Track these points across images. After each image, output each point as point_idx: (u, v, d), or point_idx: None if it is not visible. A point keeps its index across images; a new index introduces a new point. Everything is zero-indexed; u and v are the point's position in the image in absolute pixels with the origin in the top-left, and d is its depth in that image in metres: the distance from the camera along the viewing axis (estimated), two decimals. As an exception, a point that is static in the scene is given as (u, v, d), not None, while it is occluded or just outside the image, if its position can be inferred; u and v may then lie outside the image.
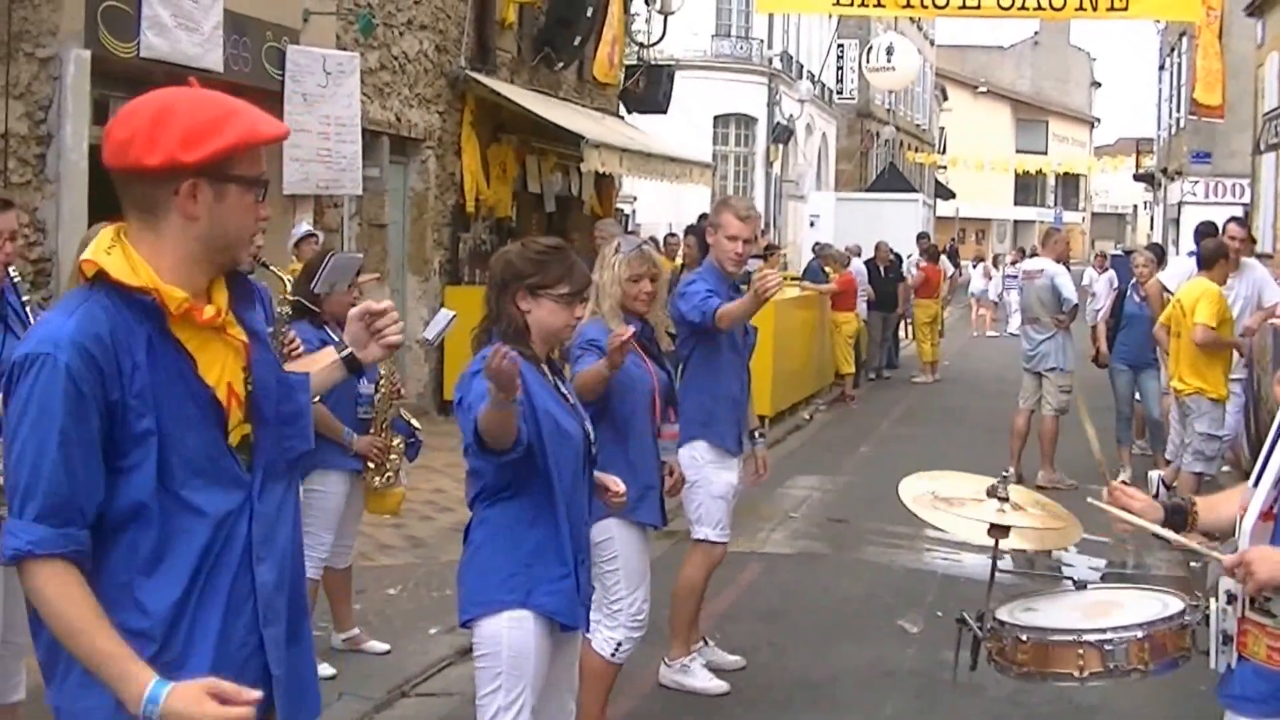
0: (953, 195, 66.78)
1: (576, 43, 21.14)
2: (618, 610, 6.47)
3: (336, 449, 7.52)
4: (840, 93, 52.46)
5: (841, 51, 50.04)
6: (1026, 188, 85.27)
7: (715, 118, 41.77)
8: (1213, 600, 4.05)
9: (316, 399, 7.27)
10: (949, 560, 10.88)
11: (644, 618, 6.56)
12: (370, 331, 3.75)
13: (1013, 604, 4.69)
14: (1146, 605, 4.47)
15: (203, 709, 2.87)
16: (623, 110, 25.02)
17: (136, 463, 3.02)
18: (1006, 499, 4.77)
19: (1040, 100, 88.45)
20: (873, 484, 14.24)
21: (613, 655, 6.51)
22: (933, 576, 10.55)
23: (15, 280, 6.28)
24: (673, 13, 25.66)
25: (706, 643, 8.19)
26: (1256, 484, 4.03)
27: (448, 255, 17.97)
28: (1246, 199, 32.74)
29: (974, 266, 39.57)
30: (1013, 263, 36.17)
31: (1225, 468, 12.78)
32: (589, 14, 21.07)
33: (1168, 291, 12.72)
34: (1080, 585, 4.94)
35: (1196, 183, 39.41)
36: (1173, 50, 44.86)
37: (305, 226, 12.94)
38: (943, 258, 28.63)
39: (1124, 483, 13.20)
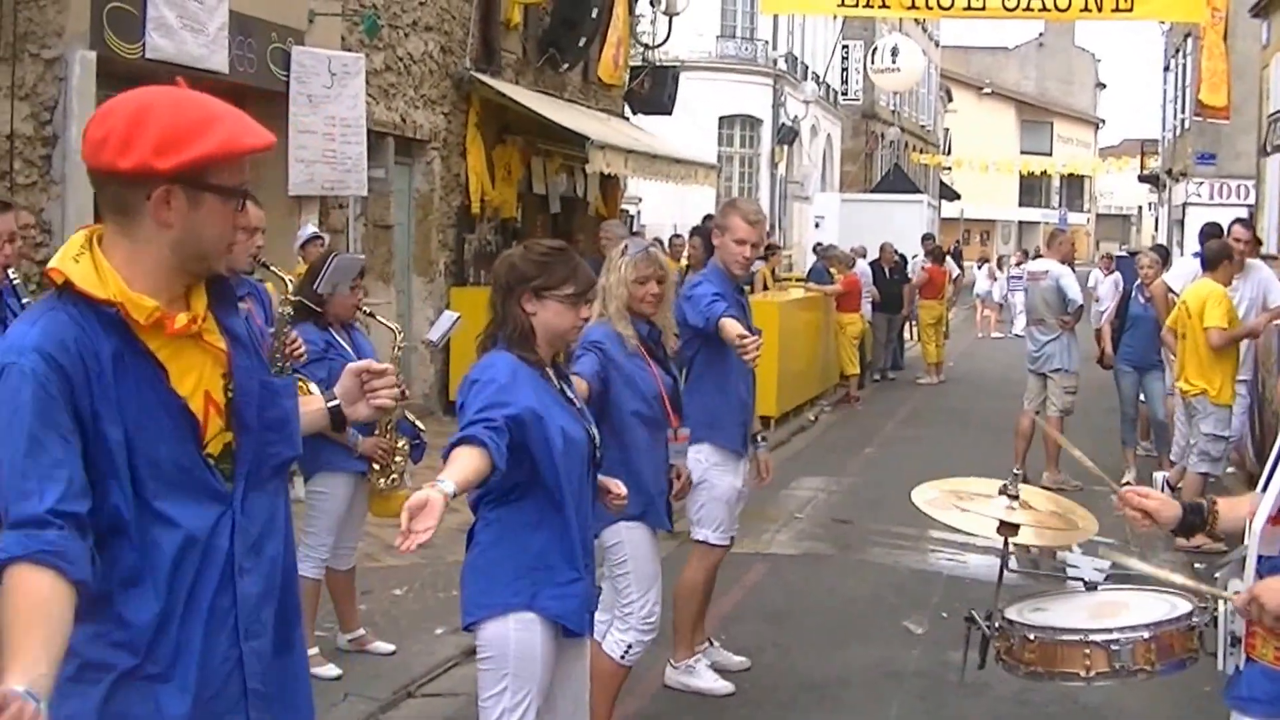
0: (957, 196, 66.74)
1: (581, 44, 21.14)
2: (629, 613, 6.47)
3: (341, 450, 7.52)
4: (845, 94, 52.43)
5: (846, 53, 50.03)
6: (1031, 189, 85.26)
7: (720, 119, 41.77)
8: (1221, 602, 4.05)
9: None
10: (954, 561, 10.88)
11: (655, 620, 6.56)
12: (364, 389, 3.68)
13: (1022, 603, 4.70)
14: (1155, 606, 4.48)
15: None
16: (628, 111, 25.03)
17: (108, 474, 2.93)
18: (1016, 496, 4.77)
19: (1045, 101, 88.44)
20: (878, 485, 14.26)
21: (623, 657, 6.51)
22: (938, 577, 10.55)
23: (15, 282, 6.29)
24: (678, 14, 25.65)
25: (712, 643, 8.19)
26: (1265, 488, 4.03)
27: (453, 256, 17.98)
28: (1251, 200, 32.74)
29: (979, 268, 39.55)
30: (1017, 264, 36.18)
31: (1230, 469, 12.77)
32: (594, 15, 21.08)
33: (1173, 293, 12.72)
34: (1091, 586, 4.94)
35: (1201, 184, 39.41)
36: (1177, 51, 44.85)
37: (311, 229, 12.95)
38: (947, 258, 28.59)
39: (1128, 484, 13.26)
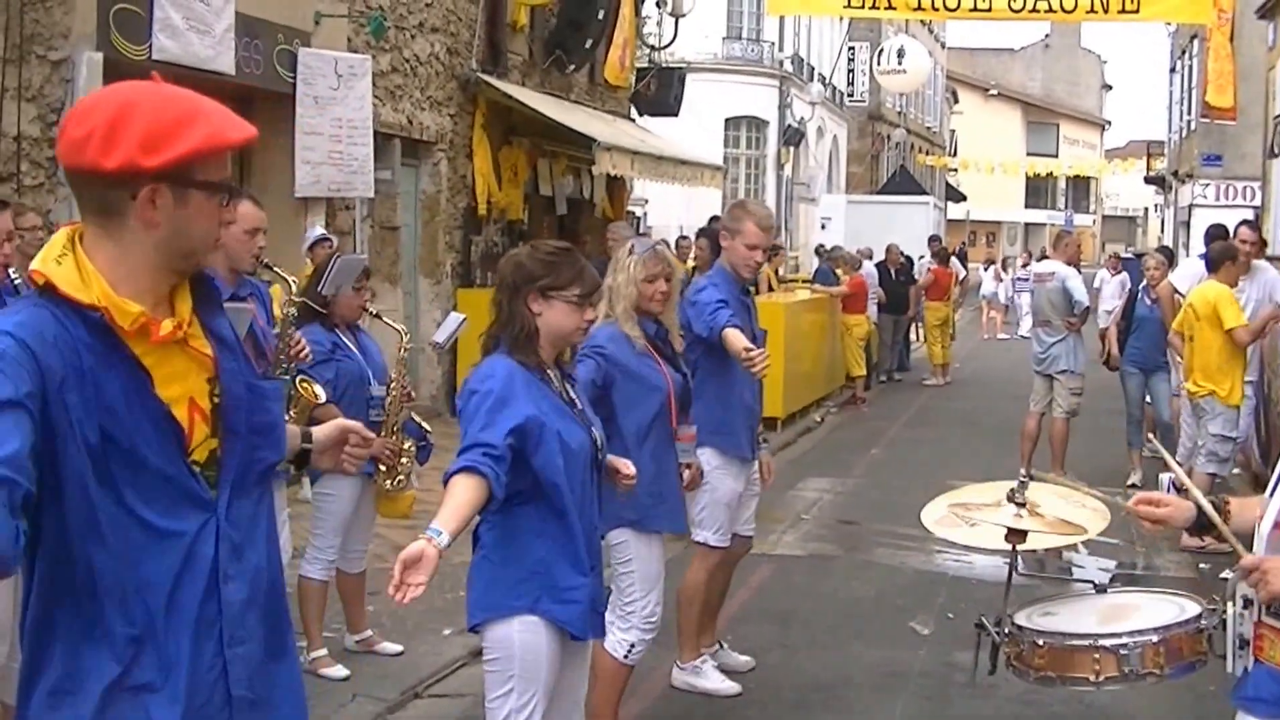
0: (963, 198, 66.69)
1: (588, 45, 21.15)
2: (631, 612, 6.47)
3: (348, 452, 7.52)
4: (851, 95, 52.44)
5: (852, 54, 50.04)
6: (1037, 190, 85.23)
7: (726, 120, 41.78)
8: (1229, 604, 4.05)
9: (326, 401, 7.31)
10: (960, 562, 10.87)
11: (656, 620, 6.56)
12: (339, 446, 3.65)
13: (1031, 608, 4.71)
14: (1163, 609, 4.48)
15: None
16: (634, 113, 25.02)
17: (82, 476, 2.85)
18: (1024, 504, 4.77)
19: (1051, 103, 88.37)
20: (884, 486, 14.27)
21: (625, 657, 6.50)
22: (943, 578, 10.54)
23: (17, 282, 6.28)
24: (684, 15, 25.66)
25: (721, 645, 8.18)
26: (1273, 492, 4.03)
27: (459, 258, 17.99)
28: (1258, 202, 32.73)
29: (985, 269, 39.55)
30: (1024, 265, 36.16)
31: (1235, 470, 12.77)
32: (600, 17, 21.09)
33: (1179, 294, 12.71)
34: (1100, 589, 4.95)
35: (1207, 185, 39.39)
36: (1184, 53, 44.82)
37: (319, 230, 12.95)
38: (952, 259, 28.59)
39: (1134, 485, 13.23)
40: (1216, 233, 13.70)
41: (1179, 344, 11.95)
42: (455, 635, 8.31)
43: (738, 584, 9.44)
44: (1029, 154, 78.85)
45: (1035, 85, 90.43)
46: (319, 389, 7.32)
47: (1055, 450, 13.95)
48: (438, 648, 8.27)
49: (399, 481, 7.77)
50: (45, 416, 2.80)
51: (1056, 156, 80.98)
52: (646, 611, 6.48)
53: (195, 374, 3.06)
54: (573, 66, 21.14)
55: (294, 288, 7.23)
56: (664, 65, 26.08)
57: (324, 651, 7.71)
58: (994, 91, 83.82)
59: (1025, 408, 14.63)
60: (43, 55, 10.27)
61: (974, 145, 71.39)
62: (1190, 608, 4.37)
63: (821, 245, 29.61)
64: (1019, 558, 4.90)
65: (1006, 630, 4.53)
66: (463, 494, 4.36)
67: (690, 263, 17.13)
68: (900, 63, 37.74)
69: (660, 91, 25.06)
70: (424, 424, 8.18)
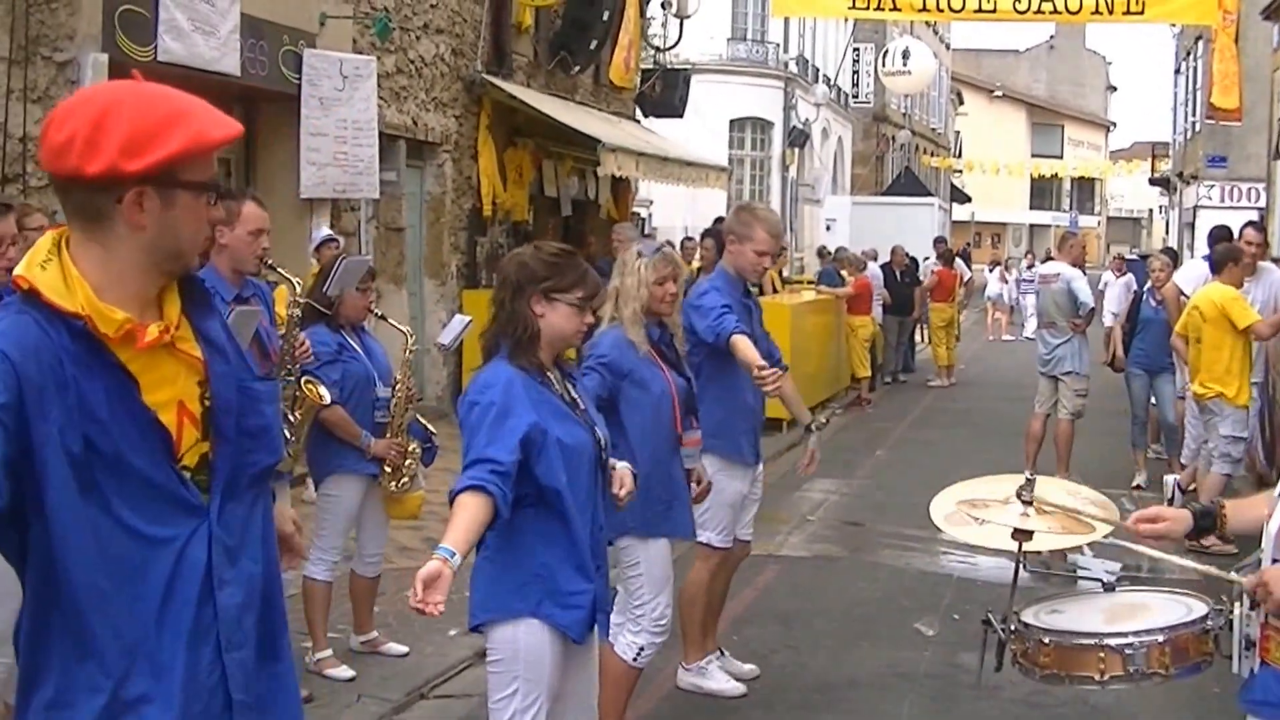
0: (968, 199, 66.68)
1: (593, 47, 21.15)
2: (640, 615, 6.46)
3: (353, 453, 7.54)
4: (856, 96, 52.43)
5: (857, 55, 50.01)
6: (1042, 192, 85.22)
7: (731, 121, 41.74)
8: (1236, 605, 4.05)
9: (331, 402, 7.33)
10: (965, 563, 10.87)
11: (666, 623, 6.55)
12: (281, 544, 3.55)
13: (1038, 606, 4.71)
14: (1171, 609, 4.47)
15: None
16: (639, 114, 25.03)
17: (62, 486, 2.80)
18: (1030, 503, 4.77)
19: (1056, 104, 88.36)
20: (889, 488, 14.27)
21: (635, 660, 6.50)
22: (949, 579, 10.54)
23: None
24: (689, 17, 25.65)
25: (722, 653, 8.15)
26: (1282, 493, 4.04)
27: (464, 259, 18.00)
28: (1262, 203, 32.73)
29: (990, 270, 39.55)
30: (1028, 267, 36.14)
31: (1241, 472, 12.75)
32: (605, 18, 21.09)
33: (1184, 295, 12.70)
34: (1109, 587, 4.94)
35: (1212, 187, 39.39)
36: (1188, 54, 44.82)
37: (326, 231, 12.98)
38: (958, 260, 28.59)
39: (1138, 487, 13.21)
40: (1220, 234, 13.69)
41: (1181, 347, 11.93)
42: (461, 636, 8.30)
43: (743, 585, 9.45)
44: (1034, 155, 78.87)
45: (1040, 86, 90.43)
46: (324, 390, 7.33)
47: (1060, 452, 13.95)
48: (443, 649, 8.27)
49: (404, 483, 7.77)
50: (24, 428, 2.76)
51: (1061, 158, 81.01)
52: (656, 614, 6.47)
53: (185, 377, 3.01)
54: (578, 68, 21.15)
55: (299, 289, 7.23)
56: (669, 66, 26.10)
57: (329, 652, 7.71)
58: (999, 93, 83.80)
59: (1030, 409, 14.63)
60: (48, 57, 10.28)
61: (979, 146, 71.41)
62: (1198, 608, 4.36)
63: (824, 247, 29.62)
64: (1026, 557, 4.89)
65: (1012, 628, 4.53)
66: (471, 513, 4.38)
67: (695, 264, 17.11)
68: (905, 64, 37.72)
69: (665, 93, 25.07)
70: (429, 426, 8.18)
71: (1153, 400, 14.37)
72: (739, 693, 7.80)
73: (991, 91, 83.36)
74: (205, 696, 3.00)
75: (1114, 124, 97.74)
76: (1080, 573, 10.30)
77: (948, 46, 68.11)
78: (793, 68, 43.66)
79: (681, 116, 25.79)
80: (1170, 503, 11.02)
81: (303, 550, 3.59)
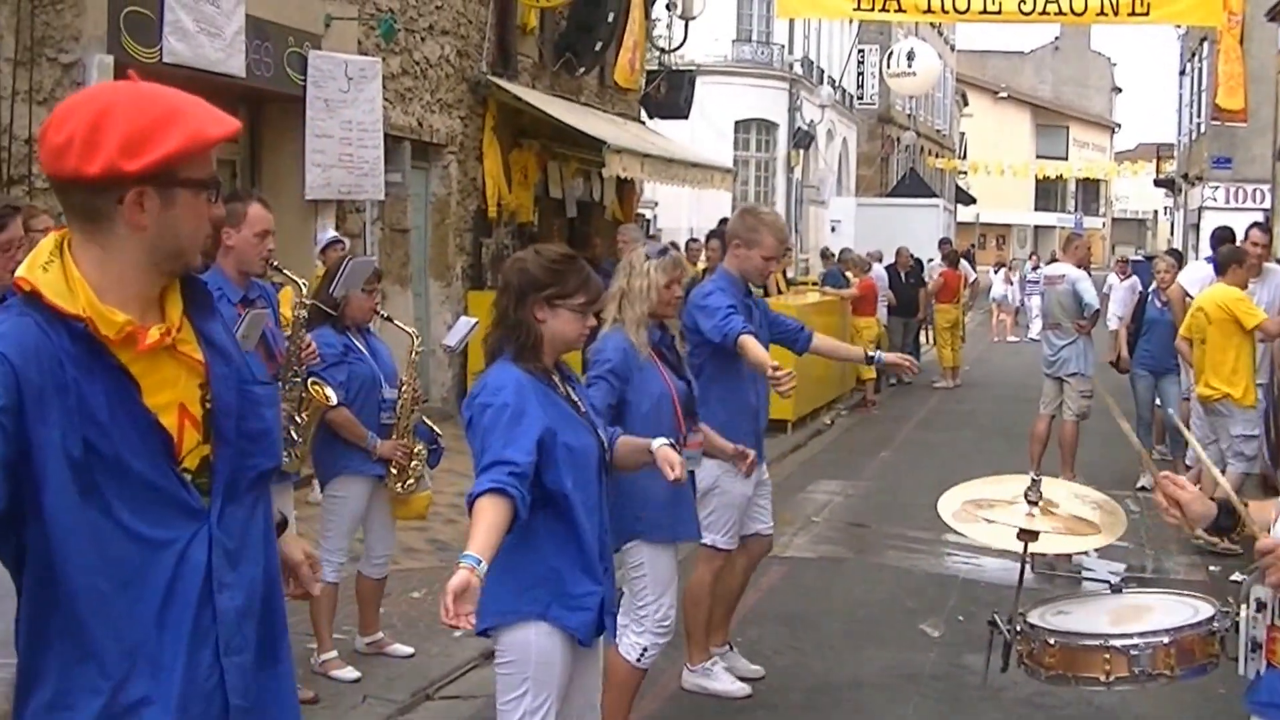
0: (973, 200, 66.68)
1: (598, 48, 21.15)
2: (644, 616, 6.46)
3: (359, 455, 7.54)
4: (861, 98, 52.34)
5: (862, 57, 49.96)
6: (1047, 193, 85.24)
7: (736, 123, 41.74)
8: (1243, 607, 4.05)
9: (337, 404, 7.33)
10: (970, 565, 10.87)
11: (670, 624, 6.55)
12: (290, 572, 3.52)
13: (1044, 607, 4.71)
14: (1177, 611, 4.47)
15: None
16: (644, 115, 25.04)
17: (60, 488, 2.80)
18: (1036, 503, 4.77)
19: (1060, 105, 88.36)
20: (894, 489, 14.27)
21: (638, 660, 6.50)
22: (954, 581, 10.53)
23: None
24: (694, 18, 25.68)
25: (731, 647, 8.17)
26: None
27: (470, 260, 18.00)
28: (1267, 204, 32.74)
29: (994, 272, 39.55)
30: (1033, 268, 36.14)
31: (1256, 468, 12.74)
32: (610, 19, 21.08)
33: (1189, 296, 12.69)
34: (1116, 589, 4.94)
35: (1217, 188, 39.41)
36: (1193, 55, 44.83)
37: (331, 232, 12.98)
38: (962, 262, 28.58)
39: (1143, 488, 13.21)
40: (1224, 235, 13.68)
41: (1185, 350, 11.92)
42: (466, 637, 8.28)
43: (748, 586, 9.44)
44: (1038, 156, 78.89)
45: (1045, 88, 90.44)
46: (330, 391, 7.33)
47: (1065, 453, 13.94)
48: (449, 650, 8.27)
49: (409, 485, 7.77)
50: (23, 430, 2.76)
51: (1066, 159, 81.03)
52: (660, 615, 6.47)
53: (186, 379, 3.01)
54: (583, 69, 21.16)
55: (304, 290, 7.23)
56: (674, 68, 26.10)
57: (334, 653, 7.71)
58: (1004, 94, 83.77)
59: (1035, 410, 14.62)
60: (54, 58, 10.28)
61: (984, 148, 71.38)
62: (1204, 609, 4.36)
63: (827, 248, 29.60)
64: (1031, 559, 4.90)
65: (1018, 629, 4.54)
66: (492, 517, 4.37)
67: (701, 264, 17.11)
68: (910, 65, 37.67)
69: (670, 94, 25.08)
70: (435, 427, 8.19)
71: (1158, 401, 14.36)
72: (744, 694, 7.80)
73: (996, 93, 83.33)
74: (204, 699, 3.00)
75: (1119, 125, 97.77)
76: (1085, 574, 10.38)
77: (953, 48, 68.11)
78: (798, 69, 43.66)
79: (686, 118, 25.81)
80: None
81: (313, 587, 3.56)
